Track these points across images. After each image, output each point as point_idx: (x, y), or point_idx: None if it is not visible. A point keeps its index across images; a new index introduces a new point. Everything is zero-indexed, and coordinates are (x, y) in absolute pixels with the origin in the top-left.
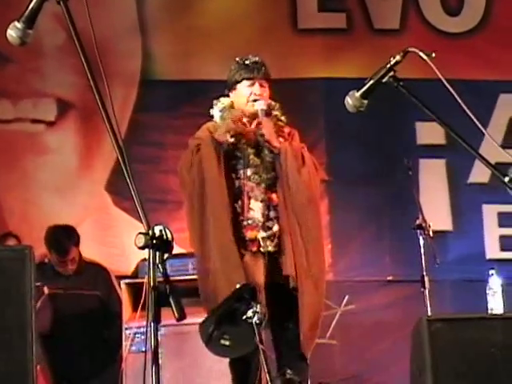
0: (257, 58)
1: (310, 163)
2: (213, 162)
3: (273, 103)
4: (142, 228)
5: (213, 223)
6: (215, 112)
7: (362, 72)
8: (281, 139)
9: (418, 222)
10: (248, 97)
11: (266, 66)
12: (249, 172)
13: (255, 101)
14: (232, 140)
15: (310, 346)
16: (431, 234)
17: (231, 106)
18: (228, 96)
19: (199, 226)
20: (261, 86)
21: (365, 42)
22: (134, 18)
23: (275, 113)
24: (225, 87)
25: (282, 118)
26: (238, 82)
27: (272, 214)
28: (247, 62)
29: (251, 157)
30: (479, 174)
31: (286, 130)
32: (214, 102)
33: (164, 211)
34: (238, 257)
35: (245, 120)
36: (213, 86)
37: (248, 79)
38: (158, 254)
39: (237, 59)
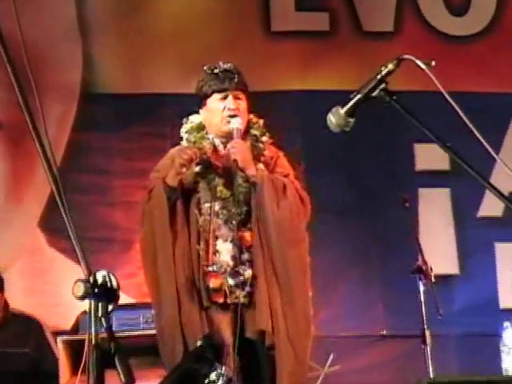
0: (229, 65)
1: (293, 195)
2: (162, 214)
3: (254, 119)
4: (82, 273)
5: (162, 277)
6: (183, 133)
7: (346, 84)
8: (260, 165)
9: (416, 264)
10: (221, 113)
11: (241, 74)
12: (216, 206)
13: (230, 117)
14: (197, 170)
15: None
16: (433, 278)
17: (200, 127)
18: (198, 113)
19: (153, 280)
20: (235, 98)
21: (351, 47)
22: (72, 20)
23: (254, 132)
24: (198, 102)
25: (264, 138)
26: (208, 95)
27: (245, 256)
28: (216, 71)
29: (220, 188)
30: (490, 206)
31: (268, 153)
32: (184, 120)
33: (110, 252)
34: (176, 315)
35: (217, 142)
36: (168, 101)
37: (219, 91)
38: (100, 305)
39: (204, 68)
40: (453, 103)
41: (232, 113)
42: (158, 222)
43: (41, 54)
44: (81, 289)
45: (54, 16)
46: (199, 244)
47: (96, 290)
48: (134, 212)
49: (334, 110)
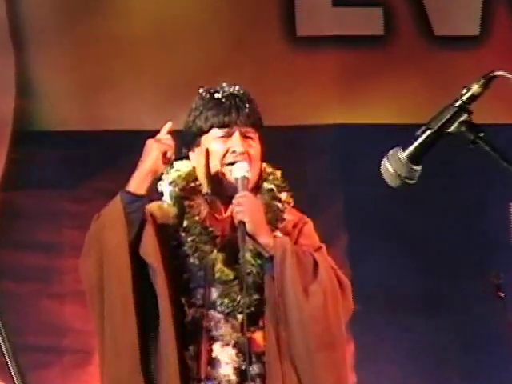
0: (236, 88)
1: (328, 277)
2: (118, 234)
3: (268, 169)
4: None
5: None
6: (163, 186)
7: (409, 114)
8: (278, 233)
9: None
10: (222, 157)
11: (254, 103)
12: (214, 293)
13: (233, 164)
14: (175, 212)
15: None
16: None
17: (191, 176)
18: (188, 158)
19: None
20: (244, 137)
21: (417, 59)
22: (1, 25)
23: (269, 186)
24: (181, 144)
25: (283, 195)
26: (204, 131)
27: (255, 368)
28: (218, 96)
29: (219, 266)
30: None
31: (290, 217)
32: (165, 169)
33: (58, 367)
34: None
35: (214, 198)
36: (143, 142)
37: (221, 126)
38: None
39: (200, 91)
40: None
41: (239, 158)
42: (111, 239)
43: None
44: None
45: None
46: (187, 348)
47: None
48: None
49: (391, 153)
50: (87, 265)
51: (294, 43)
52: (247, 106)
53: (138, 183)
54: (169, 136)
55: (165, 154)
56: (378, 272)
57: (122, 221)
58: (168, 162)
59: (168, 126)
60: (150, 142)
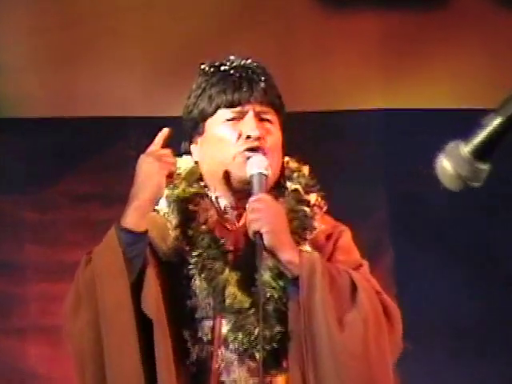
0: (247, 61)
1: (370, 302)
2: (118, 281)
3: (292, 164)
4: None
5: None
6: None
7: (471, 96)
8: (306, 247)
9: None
10: (234, 145)
11: (271, 78)
12: (225, 326)
13: (250, 151)
14: (175, 221)
15: None
16: None
17: (194, 174)
18: (189, 153)
19: None
20: (260, 119)
21: (481, 24)
22: None
23: (294, 186)
24: (182, 137)
25: (312, 197)
26: (209, 115)
27: None
28: (225, 68)
29: (231, 290)
30: None
31: (322, 225)
32: None
33: None
34: None
35: (226, 202)
36: (127, 131)
37: (230, 106)
38: None
39: (202, 67)
40: None
41: (254, 144)
42: (109, 296)
43: None
44: None
45: None
46: None
47: None
48: (63, 345)
49: (450, 147)
50: (76, 327)
51: (324, 4)
52: (263, 79)
53: (137, 217)
54: (168, 150)
55: (169, 175)
56: (433, 299)
57: (123, 271)
58: (171, 182)
59: (164, 132)
60: (148, 162)
